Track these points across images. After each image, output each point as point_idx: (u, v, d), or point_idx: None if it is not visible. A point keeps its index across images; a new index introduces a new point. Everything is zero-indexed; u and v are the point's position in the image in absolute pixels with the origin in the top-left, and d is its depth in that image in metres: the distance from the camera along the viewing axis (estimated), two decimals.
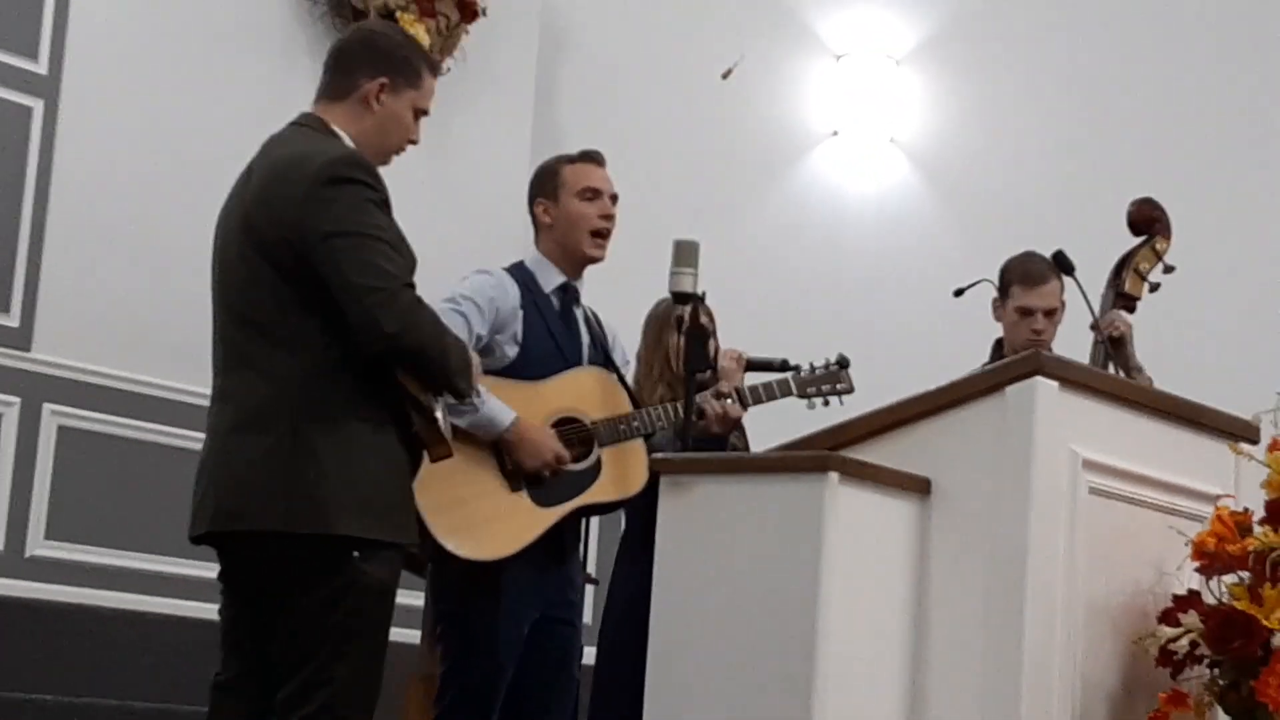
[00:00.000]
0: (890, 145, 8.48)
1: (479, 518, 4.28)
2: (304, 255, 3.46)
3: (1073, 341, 4.99)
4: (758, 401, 4.64)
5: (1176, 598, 3.55)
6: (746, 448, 4.82)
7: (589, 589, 4.98)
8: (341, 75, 3.72)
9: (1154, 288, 5.16)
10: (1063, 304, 5.10)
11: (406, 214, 3.57)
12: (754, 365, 4.71)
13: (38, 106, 6.24)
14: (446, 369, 3.53)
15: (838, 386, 4.68)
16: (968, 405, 3.54)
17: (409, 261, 3.51)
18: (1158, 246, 5.17)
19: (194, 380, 6.05)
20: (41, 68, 6.26)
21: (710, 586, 3.49)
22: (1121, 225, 5.20)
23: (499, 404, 4.30)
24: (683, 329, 4.23)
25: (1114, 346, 4.96)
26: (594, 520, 4.78)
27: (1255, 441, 3.80)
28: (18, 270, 6.14)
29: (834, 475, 3.38)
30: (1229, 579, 3.49)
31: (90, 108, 6.37)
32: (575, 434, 4.41)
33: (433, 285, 3.55)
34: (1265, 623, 3.37)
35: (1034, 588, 3.41)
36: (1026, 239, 5.38)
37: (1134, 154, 7.82)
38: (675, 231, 4.34)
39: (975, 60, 8.39)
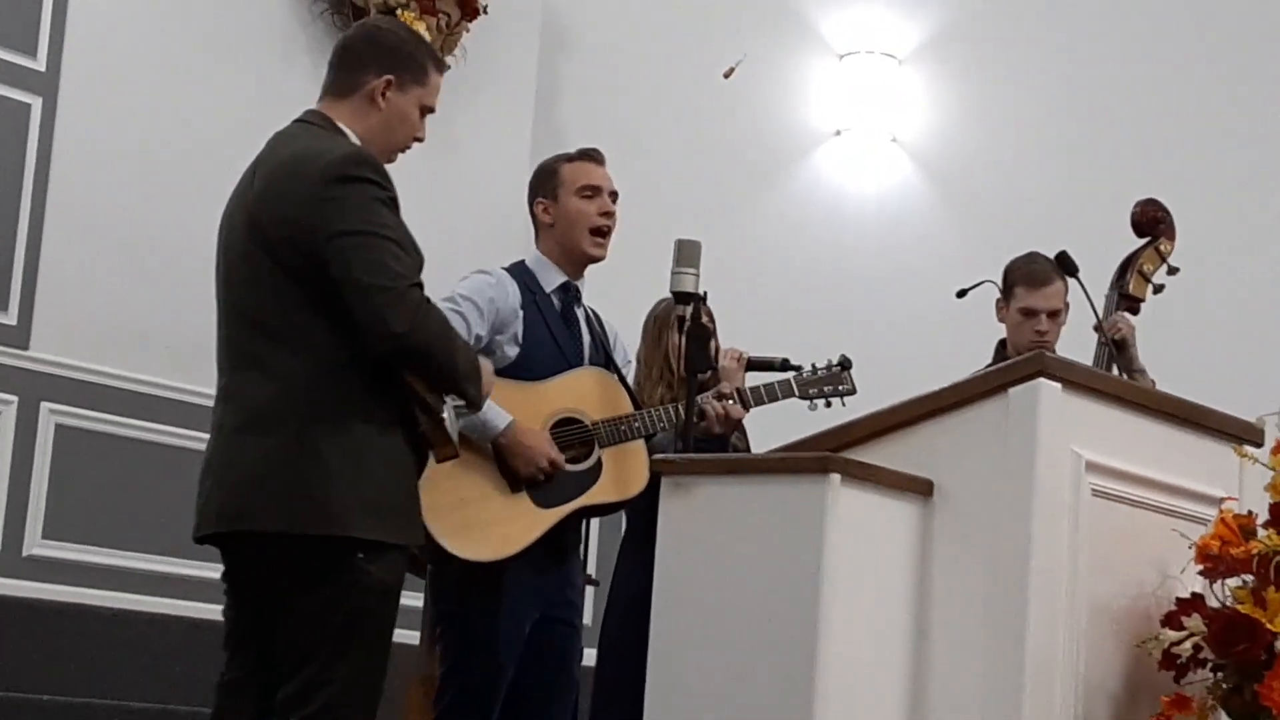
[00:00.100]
0: (893, 145, 8.47)
1: (479, 519, 4.26)
2: (311, 254, 3.43)
3: (1076, 343, 4.97)
4: (759, 402, 4.62)
5: (1180, 601, 3.54)
6: (748, 449, 4.81)
7: (589, 590, 4.97)
8: (347, 72, 3.68)
9: (1158, 289, 5.15)
10: (1066, 305, 5.09)
11: (407, 212, 3.55)
12: (755, 365, 4.69)
13: (36, 104, 6.22)
14: (454, 371, 3.50)
15: (840, 387, 4.67)
16: (970, 407, 3.53)
17: (417, 261, 3.49)
18: (1162, 248, 5.16)
19: (192, 379, 6.07)
20: (40, 65, 6.25)
21: (711, 588, 3.49)
22: (1125, 226, 5.19)
23: (495, 407, 4.26)
24: (684, 329, 4.21)
25: (1117, 348, 4.95)
26: (594, 521, 4.77)
27: (1259, 444, 3.79)
28: (15, 268, 6.12)
29: (836, 477, 3.37)
30: (1233, 582, 3.49)
31: (89, 105, 6.35)
32: (576, 435, 4.40)
33: (434, 284, 3.53)
34: (1269, 626, 3.37)
35: (1036, 590, 3.40)
36: (1029, 239, 5.36)
37: (1138, 154, 7.81)
38: (677, 231, 4.32)
39: (978, 60, 8.37)
